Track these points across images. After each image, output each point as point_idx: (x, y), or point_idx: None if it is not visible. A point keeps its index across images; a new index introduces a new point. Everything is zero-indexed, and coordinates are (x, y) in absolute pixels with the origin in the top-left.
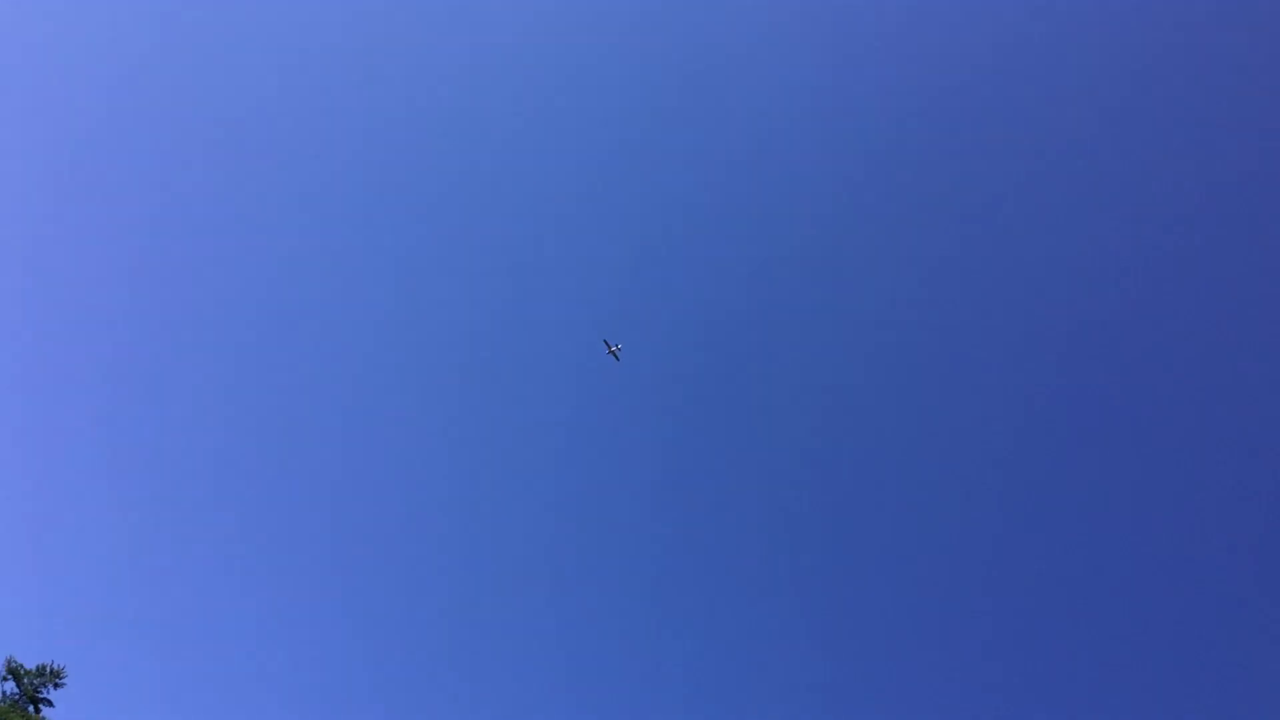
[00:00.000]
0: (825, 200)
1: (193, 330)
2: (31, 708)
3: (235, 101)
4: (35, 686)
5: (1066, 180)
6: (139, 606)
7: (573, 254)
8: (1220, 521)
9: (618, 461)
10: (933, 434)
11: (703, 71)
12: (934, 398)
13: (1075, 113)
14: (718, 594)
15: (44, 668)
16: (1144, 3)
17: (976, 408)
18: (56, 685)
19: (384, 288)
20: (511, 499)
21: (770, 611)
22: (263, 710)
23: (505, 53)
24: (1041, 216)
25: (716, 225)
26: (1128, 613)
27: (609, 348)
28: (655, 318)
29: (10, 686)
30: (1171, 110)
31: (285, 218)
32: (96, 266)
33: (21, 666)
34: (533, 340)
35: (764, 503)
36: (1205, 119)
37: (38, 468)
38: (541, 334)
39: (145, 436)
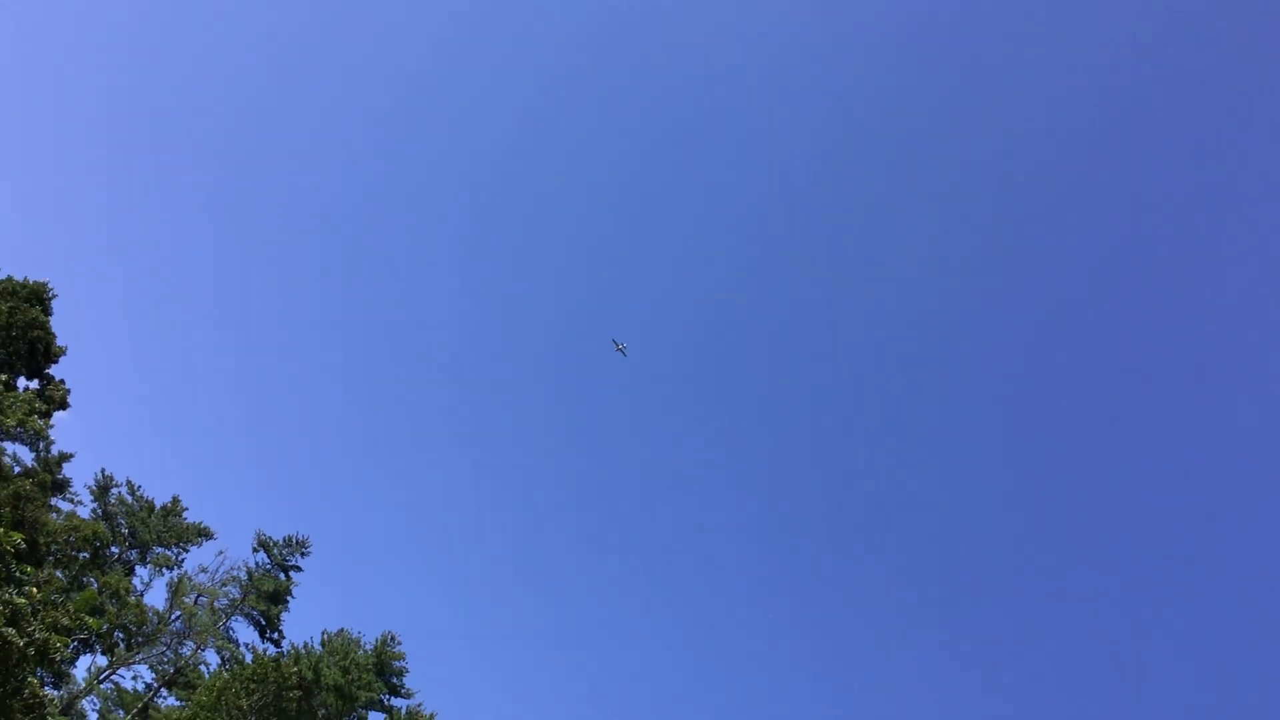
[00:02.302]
0: (825, 200)
1: None
2: (282, 575)
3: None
4: (283, 556)
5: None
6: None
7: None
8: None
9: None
10: (931, 431)
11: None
12: (933, 396)
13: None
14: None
15: (290, 538)
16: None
17: (975, 407)
18: (303, 554)
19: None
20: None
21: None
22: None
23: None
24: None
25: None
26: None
27: (616, 345)
28: (656, 317)
29: (262, 557)
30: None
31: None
32: None
33: (270, 539)
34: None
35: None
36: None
37: None
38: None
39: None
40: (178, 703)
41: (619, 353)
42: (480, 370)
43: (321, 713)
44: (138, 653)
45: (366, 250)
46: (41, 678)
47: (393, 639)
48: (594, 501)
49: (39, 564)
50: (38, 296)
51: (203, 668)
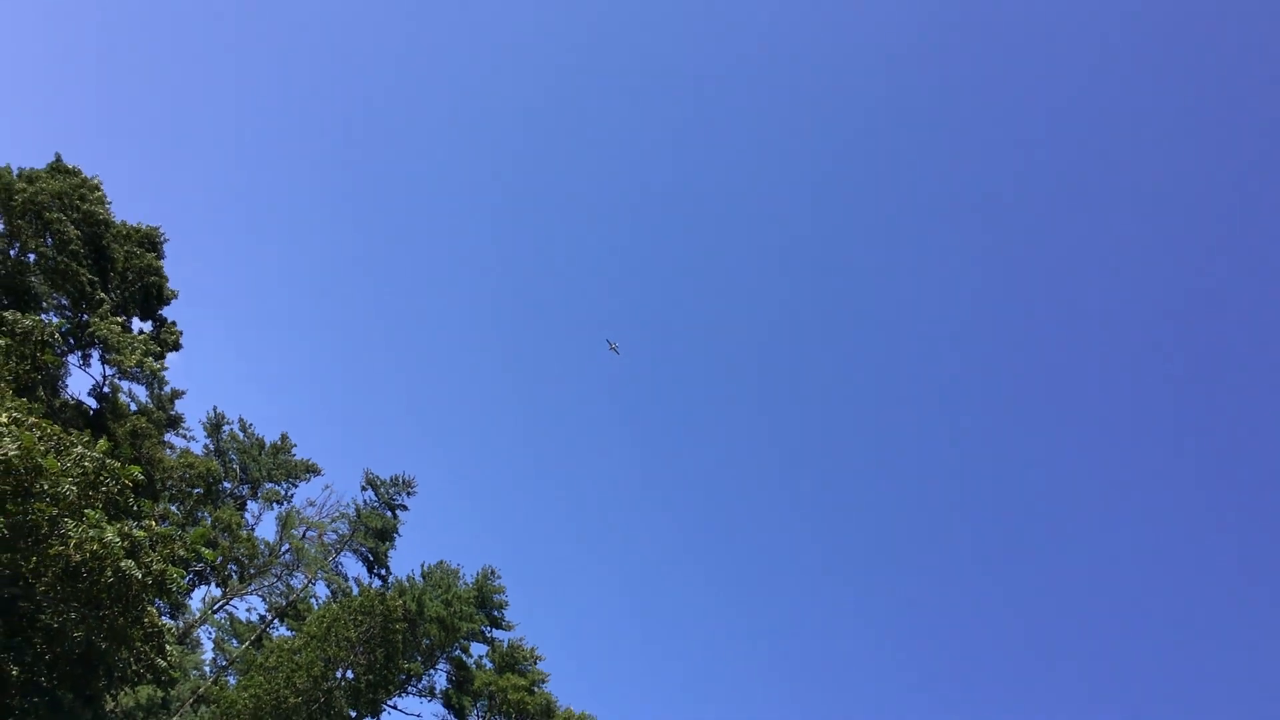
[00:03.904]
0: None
1: None
2: (389, 513)
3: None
4: (390, 495)
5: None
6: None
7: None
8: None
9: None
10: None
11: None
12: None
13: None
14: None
15: (397, 478)
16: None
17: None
18: (409, 493)
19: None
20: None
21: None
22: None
23: None
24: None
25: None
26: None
27: (610, 345)
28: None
29: (370, 495)
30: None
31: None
32: None
33: (378, 478)
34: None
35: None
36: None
37: None
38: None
39: None
40: (289, 633)
41: (613, 351)
42: (575, 314)
43: (425, 643)
44: (250, 584)
45: (478, 190)
46: (159, 607)
47: (492, 573)
48: (690, 447)
49: (155, 498)
50: (151, 241)
51: (313, 600)
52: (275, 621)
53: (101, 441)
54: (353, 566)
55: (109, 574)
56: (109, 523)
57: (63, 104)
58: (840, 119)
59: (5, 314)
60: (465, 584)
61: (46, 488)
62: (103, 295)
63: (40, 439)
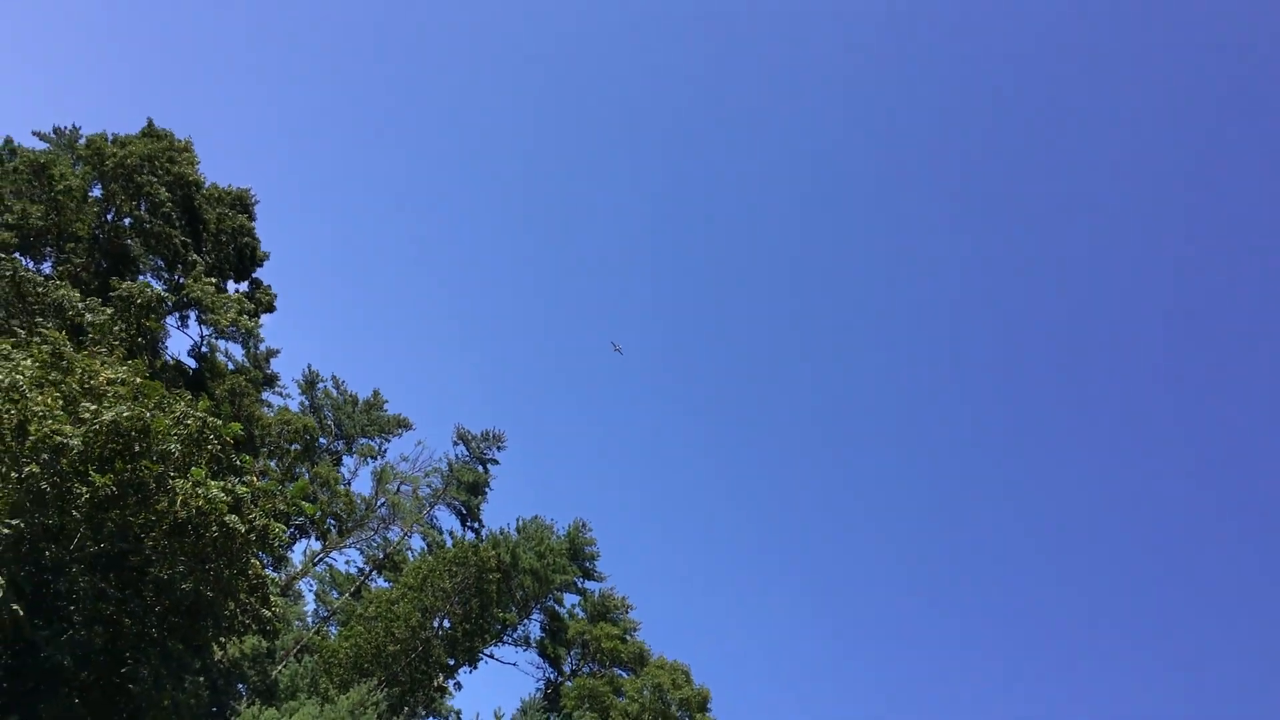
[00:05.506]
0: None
1: None
2: (480, 467)
3: None
4: (481, 449)
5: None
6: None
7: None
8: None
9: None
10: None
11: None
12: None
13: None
14: None
15: (487, 432)
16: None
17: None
18: (500, 448)
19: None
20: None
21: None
22: None
23: None
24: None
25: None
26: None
27: (614, 347)
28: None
29: (461, 449)
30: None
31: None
32: None
33: (469, 432)
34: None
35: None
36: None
37: None
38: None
39: None
40: (387, 584)
41: (616, 351)
42: (664, 276)
43: (519, 594)
44: (348, 538)
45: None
46: (263, 560)
47: (584, 525)
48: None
49: (255, 455)
50: (242, 203)
51: (409, 552)
52: (373, 573)
53: (202, 400)
54: (447, 520)
55: (214, 529)
56: (212, 479)
57: (158, 67)
58: (850, 118)
59: (111, 280)
60: (558, 537)
61: (152, 446)
62: (196, 257)
63: (150, 402)
